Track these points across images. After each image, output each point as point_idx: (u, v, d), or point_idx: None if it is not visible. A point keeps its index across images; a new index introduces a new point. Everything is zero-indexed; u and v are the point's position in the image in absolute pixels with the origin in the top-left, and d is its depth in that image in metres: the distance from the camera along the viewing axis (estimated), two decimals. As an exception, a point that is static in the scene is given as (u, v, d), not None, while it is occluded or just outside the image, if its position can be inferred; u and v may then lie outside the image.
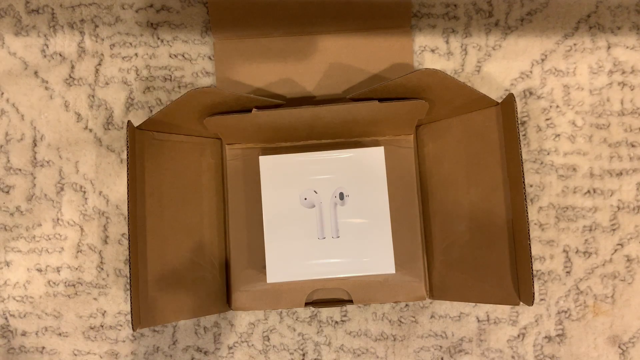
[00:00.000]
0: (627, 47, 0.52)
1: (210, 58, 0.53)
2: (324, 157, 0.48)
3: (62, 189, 0.52)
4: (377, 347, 0.51)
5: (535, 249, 0.51)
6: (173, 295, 0.46)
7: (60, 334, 0.52)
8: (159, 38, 0.53)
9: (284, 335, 0.52)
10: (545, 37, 0.52)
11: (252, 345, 0.51)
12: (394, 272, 0.47)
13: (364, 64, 0.51)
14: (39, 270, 0.52)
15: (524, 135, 0.52)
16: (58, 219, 0.52)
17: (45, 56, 0.53)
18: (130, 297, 0.41)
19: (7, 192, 0.52)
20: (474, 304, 0.51)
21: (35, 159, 0.52)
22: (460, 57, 0.52)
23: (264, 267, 0.47)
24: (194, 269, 0.48)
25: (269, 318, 0.52)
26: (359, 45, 0.51)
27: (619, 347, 0.51)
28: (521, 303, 0.44)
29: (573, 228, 0.51)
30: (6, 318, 0.52)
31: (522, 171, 0.41)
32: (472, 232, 0.47)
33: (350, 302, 0.49)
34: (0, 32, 0.53)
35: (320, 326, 0.52)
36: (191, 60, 0.53)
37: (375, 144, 0.50)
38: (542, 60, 0.52)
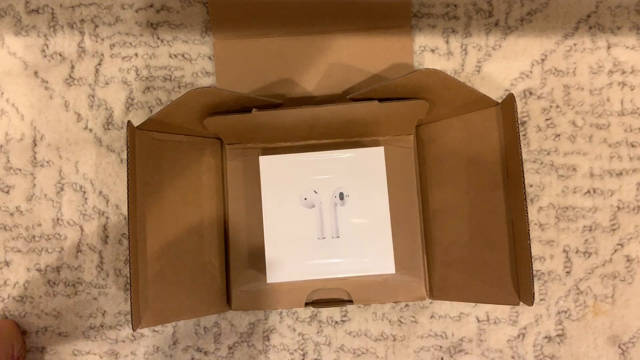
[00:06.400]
0: (627, 47, 0.52)
1: (210, 58, 0.53)
2: (324, 157, 0.48)
3: (62, 189, 0.52)
4: (377, 347, 0.51)
5: (535, 249, 0.51)
6: (173, 295, 0.46)
7: (60, 334, 0.52)
8: (159, 38, 0.53)
9: (284, 335, 0.52)
10: (545, 37, 0.52)
11: (252, 345, 0.51)
12: (394, 272, 0.47)
13: (364, 64, 0.51)
14: (39, 270, 0.52)
15: (524, 135, 0.52)
16: (58, 219, 0.52)
17: (45, 56, 0.53)
18: (130, 297, 0.41)
19: (7, 192, 0.52)
20: (474, 304, 0.51)
21: (35, 159, 0.52)
22: (460, 57, 0.52)
23: (264, 267, 0.47)
24: (193, 269, 0.48)
25: (269, 318, 0.52)
26: (359, 45, 0.51)
27: (619, 347, 0.51)
28: (521, 303, 0.44)
29: (573, 228, 0.51)
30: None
31: (522, 171, 0.41)
32: (472, 232, 0.47)
33: (350, 302, 0.49)
34: (0, 32, 0.53)
35: (320, 326, 0.52)
36: (191, 60, 0.53)
37: (375, 144, 0.50)
38: (542, 60, 0.52)
